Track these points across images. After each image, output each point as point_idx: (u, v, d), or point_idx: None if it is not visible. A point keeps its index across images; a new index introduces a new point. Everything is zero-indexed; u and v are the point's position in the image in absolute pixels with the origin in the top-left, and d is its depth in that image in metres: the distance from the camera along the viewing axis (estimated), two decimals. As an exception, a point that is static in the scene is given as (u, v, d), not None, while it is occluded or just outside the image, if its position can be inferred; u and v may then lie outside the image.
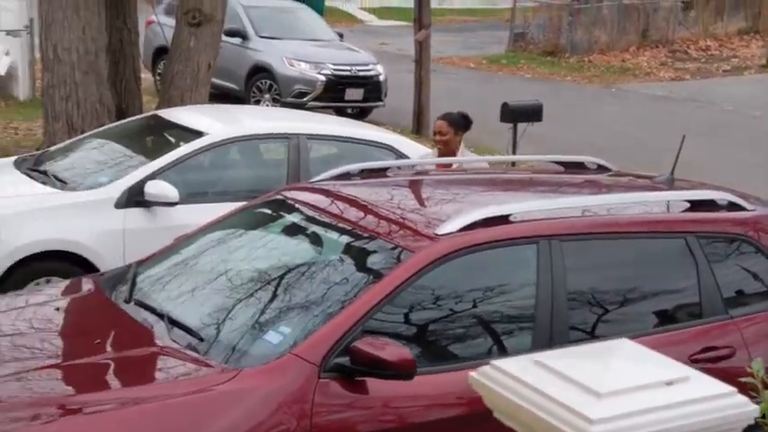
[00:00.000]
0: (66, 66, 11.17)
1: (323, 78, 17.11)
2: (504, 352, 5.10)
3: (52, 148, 9.51)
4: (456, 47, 28.27)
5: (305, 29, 19.07)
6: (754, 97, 22.56)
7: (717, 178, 8.06)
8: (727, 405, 3.32)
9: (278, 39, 18.10)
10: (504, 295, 5.37)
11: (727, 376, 3.69)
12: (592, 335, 5.31)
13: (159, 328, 5.12)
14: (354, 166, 6.52)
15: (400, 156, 8.67)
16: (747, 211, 5.97)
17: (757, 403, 3.42)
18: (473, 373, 3.57)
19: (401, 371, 4.61)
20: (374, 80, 17.81)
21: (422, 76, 17.48)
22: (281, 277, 5.44)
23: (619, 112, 20.93)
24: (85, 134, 9.95)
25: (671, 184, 6.37)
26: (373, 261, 5.34)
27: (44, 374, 4.87)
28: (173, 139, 8.80)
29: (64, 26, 11.11)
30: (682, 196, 6.10)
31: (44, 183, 8.30)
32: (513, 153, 10.91)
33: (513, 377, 3.43)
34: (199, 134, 8.46)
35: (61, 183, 8.26)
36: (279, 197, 6.24)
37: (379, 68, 18.01)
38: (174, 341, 4.96)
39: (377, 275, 5.11)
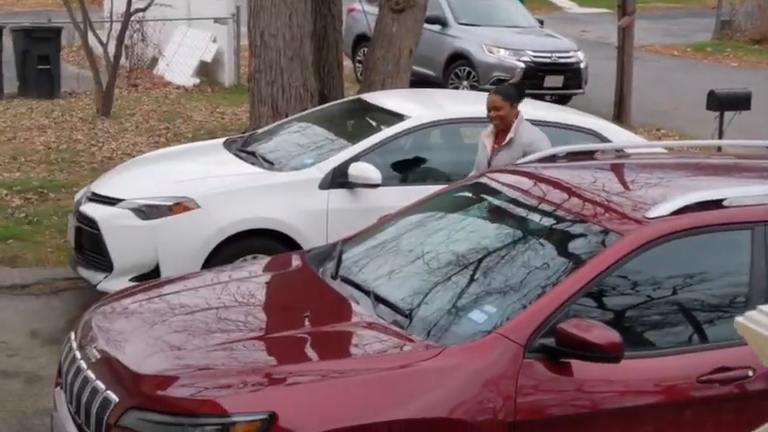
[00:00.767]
0: (273, 51, 11.43)
1: (522, 65, 16.97)
2: (709, 341, 4.99)
3: (259, 131, 9.76)
4: (658, 34, 27.63)
5: (504, 15, 18.97)
6: None
7: None
8: None
9: (477, 25, 18.08)
10: (714, 282, 5.24)
11: None
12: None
13: (365, 303, 5.20)
14: (560, 149, 6.49)
15: (605, 141, 8.52)
16: None
17: None
18: (740, 318, 3.46)
19: (608, 354, 4.57)
20: (574, 67, 17.58)
21: (624, 63, 17.14)
22: (484, 258, 5.44)
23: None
24: (290, 117, 10.18)
25: None
26: (579, 244, 5.30)
27: (253, 344, 5.02)
28: (375, 123, 8.91)
29: (272, 12, 11.37)
30: None
31: (252, 163, 8.54)
32: (720, 142, 10.57)
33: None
34: (401, 117, 8.54)
35: (268, 164, 8.48)
36: (481, 180, 6.26)
37: (580, 55, 17.77)
38: (380, 317, 5.03)
39: (583, 258, 5.08)
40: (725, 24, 27.77)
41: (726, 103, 10.90)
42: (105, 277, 7.98)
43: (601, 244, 5.09)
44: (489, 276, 5.27)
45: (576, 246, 5.31)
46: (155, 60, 19.13)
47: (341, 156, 8.20)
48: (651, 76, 19.87)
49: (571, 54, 17.77)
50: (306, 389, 4.53)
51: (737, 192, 5.41)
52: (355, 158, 8.14)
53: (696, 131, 14.60)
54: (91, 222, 8.13)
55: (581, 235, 5.30)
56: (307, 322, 5.19)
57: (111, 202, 8.17)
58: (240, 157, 8.73)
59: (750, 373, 4.89)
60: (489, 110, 7.60)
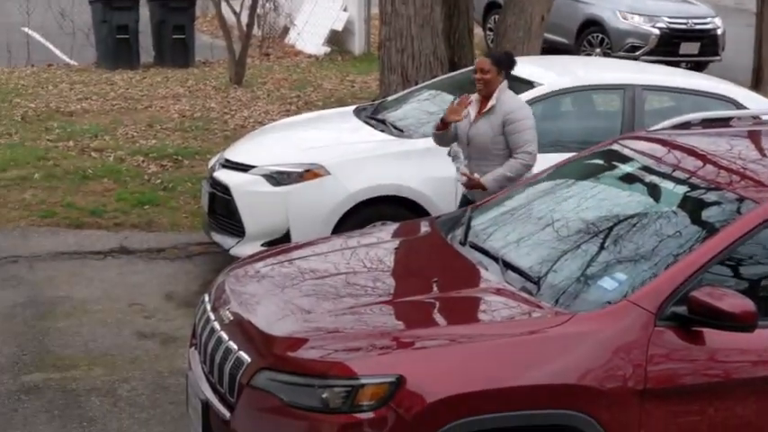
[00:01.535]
0: (404, 19, 11.43)
1: (657, 32, 16.65)
2: None
3: (389, 98, 9.78)
4: (799, 0, 26.76)
5: (639, -19, 18.61)
6: None
7: None
8: None
9: (611, -9, 17.78)
10: None
11: None
12: None
13: (494, 269, 5.19)
14: (695, 116, 6.35)
15: (741, 108, 8.30)
16: None
17: None
18: None
19: (742, 322, 4.50)
20: (711, 34, 17.17)
21: (763, 30, 16.64)
22: (614, 226, 5.39)
23: None
24: (420, 85, 10.17)
25: None
26: (713, 212, 5.22)
27: (382, 309, 5.06)
28: (506, 90, 8.82)
29: (402, -21, 11.36)
30: None
31: (382, 131, 8.58)
32: None
33: None
34: (533, 84, 8.46)
35: (398, 131, 8.51)
36: (614, 147, 6.18)
37: (717, 22, 17.34)
38: (509, 283, 5.02)
39: (717, 226, 4.99)
40: None
41: None
42: (238, 242, 8.14)
43: (736, 212, 5.01)
44: (620, 244, 5.21)
45: (709, 214, 5.22)
46: (286, 29, 19.32)
47: (471, 123, 8.16)
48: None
49: (708, 20, 17.36)
50: (434, 353, 4.55)
51: None
52: (485, 126, 8.08)
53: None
54: (224, 188, 8.28)
55: (715, 203, 5.22)
56: (435, 287, 5.21)
57: (243, 168, 8.31)
58: (370, 125, 8.78)
59: None
60: (475, 71, 7.37)
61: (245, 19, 15.76)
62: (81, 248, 9.05)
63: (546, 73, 8.84)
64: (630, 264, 5.01)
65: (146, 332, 7.48)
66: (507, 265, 5.17)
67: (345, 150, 8.26)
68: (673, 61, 16.82)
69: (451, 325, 4.86)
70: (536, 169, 6.61)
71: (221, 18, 15.88)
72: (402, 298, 5.24)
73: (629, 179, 5.85)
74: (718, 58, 17.24)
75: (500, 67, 7.29)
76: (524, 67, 9.12)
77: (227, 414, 4.78)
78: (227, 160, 8.53)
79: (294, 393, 4.51)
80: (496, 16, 15.10)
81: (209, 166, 8.87)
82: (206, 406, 4.97)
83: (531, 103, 8.31)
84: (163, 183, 10.75)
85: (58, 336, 7.36)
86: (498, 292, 4.98)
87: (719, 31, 17.21)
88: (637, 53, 16.65)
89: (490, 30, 18.13)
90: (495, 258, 5.27)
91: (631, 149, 5.98)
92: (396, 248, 6.02)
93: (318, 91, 15.31)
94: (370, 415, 4.38)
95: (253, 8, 15.93)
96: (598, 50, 17.17)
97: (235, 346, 4.87)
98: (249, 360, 4.74)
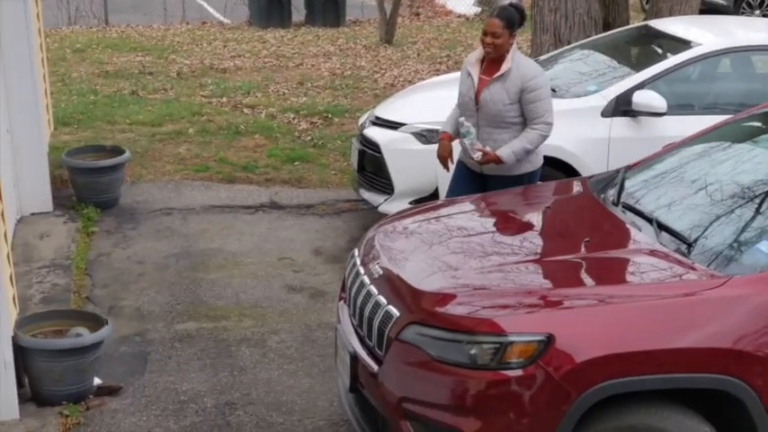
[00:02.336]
0: (556, -22, 11.25)
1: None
2: None
3: (540, 58, 9.66)
4: None
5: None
6: None
7: None
8: None
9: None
10: None
11: None
12: None
13: (647, 231, 5.10)
14: None
15: None
16: None
17: None
18: None
19: None
20: None
21: None
22: (773, 190, 5.21)
23: None
24: (572, 45, 10.02)
25: None
26: None
27: (529, 267, 5.03)
28: (661, 50, 8.65)
29: (556, -62, 11.18)
30: None
31: (533, 89, 8.46)
32: None
33: None
34: (690, 45, 8.25)
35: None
36: (774, 109, 5.99)
37: None
38: (663, 245, 4.92)
39: None
40: None
41: None
42: (386, 199, 8.17)
43: None
44: (779, 208, 5.06)
45: None
46: (437, -11, 19.29)
47: (625, 83, 8.01)
48: None
49: None
50: (585, 312, 4.50)
51: None
52: (640, 86, 7.94)
53: None
54: (374, 146, 8.32)
55: None
56: (587, 247, 5.13)
57: (393, 126, 8.33)
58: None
59: None
60: (485, 34, 6.64)
61: (396, -22, 15.79)
62: (233, 202, 9.24)
63: (704, 33, 8.61)
64: (789, 229, 4.86)
65: (295, 286, 7.59)
66: (661, 227, 5.07)
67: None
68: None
69: (603, 284, 4.78)
70: (691, 132, 6.44)
71: (373, -23, 15.93)
72: (551, 257, 5.19)
73: (789, 142, 5.68)
74: None
75: (512, 28, 6.64)
76: (681, 26, 8.95)
77: (375, 367, 4.82)
78: (377, 117, 8.56)
79: (442, 348, 4.51)
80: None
81: (360, 124, 8.92)
82: (354, 359, 5.02)
83: (688, 63, 8.15)
84: (313, 140, 10.87)
85: (209, 287, 7.53)
86: (652, 253, 4.89)
87: None
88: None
89: (645, -10, 17.77)
90: (649, 219, 5.17)
91: (793, 111, 5.80)
92: (545, 208, 5.97)
93: (469, 51, 15.20)
94: (519, 372, 4.35)
95: (404, -33, 15.93)
96: (757, 12, 16.64)
97: (384, 301, 4.90)
98: (398, 314, 4.76)
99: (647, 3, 15.59)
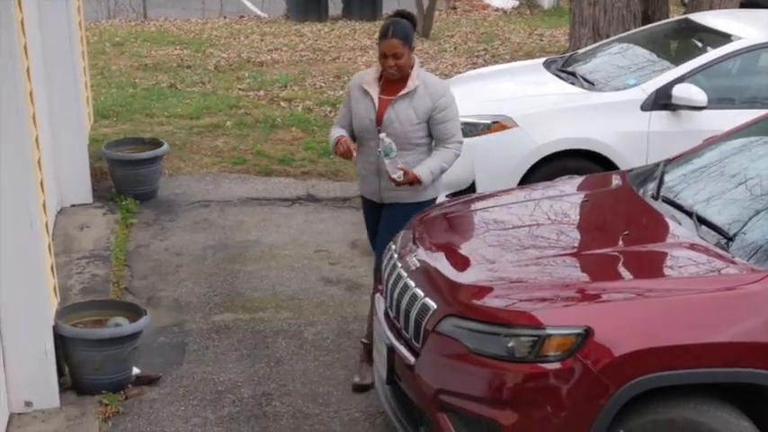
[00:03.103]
0: (596, -29, 11.21)
1: None
2: None
3: (579, 51, 9.63)
4: None
5: None
6: None
7: None
8: None
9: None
10: None
11: None
12: None
13: (687, 224, 5.07)
14: None
15: None
16: None
17: None
18: None
19: None
20: None
21: None
22: (815, 184, 5.17)
23: None
24: (611, 38, 9.98)
25: None
26: None
27: (567, 261, 5.01)
28: (701, 44, 8.60)
29: (595, -68, 11.15)
30: None
31: (572, 83, 8.45)
32: None
33: None
34: (730, 38, 8.19)
35: (589, 84, 8.36)
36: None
37: None
38: (702, 238, 4.89)
39: None
40: None
41: None
42: (423, 192, 8.14)
43: None
44: (819, 202, 5.01)
45: None
46: (474, -17, 19.23)
47: (665, 77, 7.97)
48: None
49: None
50: (624, 306, 4.48)
51: None
52: (680, 80, 7.89)
53: None
54: (411, 138, 8.28)
55: None
56: (626, 240, 5.11)
57: (430, 119, 8.28)
58: (560, 77, 8.66)
59: None
60: (386, 57, 5.94)
61: (433, -28, 15.77)
62: (270, 195, 9.26)
63: (745, 27, 8.54)
64: (832, 224, 4.81)
65: (331, 278, 7.60)
66: (701, 220, 5.04)
67: (534, 103, 8.17)
68: None
69: (643, 278, 4.76)
70: (731, 126, 6.38)
71: (410, -29, 15.91)
72: (589, 250, 5.17)
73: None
74: None
75: (410, 44, 6.03)
76: (722, 20, 8.88)
77: (412, 359, 4.82)
78: (414, 111, 8.52)
79: (479, 341, 4.51)
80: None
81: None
82: (391, 350, 5.03)
83: (728, 57, 8.10)
84: (350, 133, 10.87)
85: (247, 278, 7.56)
86: (692, 246, 4.86)
87: None
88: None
89: (684, -16, 17.63)
90: (689, 213, 5.14)
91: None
92: (582, 201, 5.94)
93: (506, 44, 15.21)
94: (557, 365, 4.34)
95: (442, -39, 15.91)
96: (799, 6, 16.47)
97: (421, 293, 4.90)
98: (435, 307, 4.76)
99: (686, -4, 15.47)
